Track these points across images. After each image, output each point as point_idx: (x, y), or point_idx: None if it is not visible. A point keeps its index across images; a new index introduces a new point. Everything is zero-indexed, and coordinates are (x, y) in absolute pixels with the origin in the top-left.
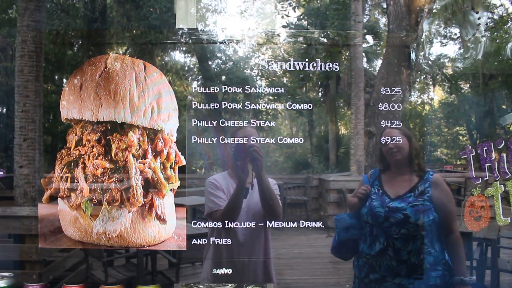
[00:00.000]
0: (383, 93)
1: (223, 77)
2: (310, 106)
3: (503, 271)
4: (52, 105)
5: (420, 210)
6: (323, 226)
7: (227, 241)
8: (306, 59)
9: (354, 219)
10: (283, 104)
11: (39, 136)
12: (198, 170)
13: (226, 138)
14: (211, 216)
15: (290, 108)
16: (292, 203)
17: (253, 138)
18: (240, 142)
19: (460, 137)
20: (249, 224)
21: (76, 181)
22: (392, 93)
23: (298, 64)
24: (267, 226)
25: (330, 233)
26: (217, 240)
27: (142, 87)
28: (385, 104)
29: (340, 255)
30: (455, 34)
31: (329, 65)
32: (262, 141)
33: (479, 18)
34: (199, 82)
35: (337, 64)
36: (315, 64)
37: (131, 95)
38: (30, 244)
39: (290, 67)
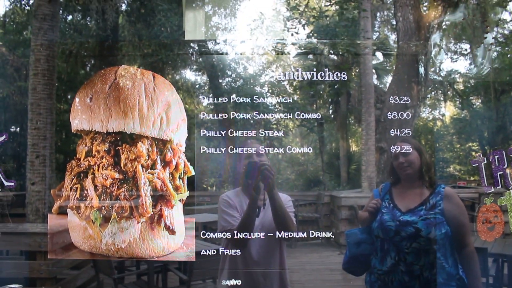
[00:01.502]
0: (392, 102)
1: (234, 95)
2: (319, 116)
3: None
4: (65, 123)
5: (432, 223)
6: (333, 236)
7: (236, 252)
8: (314, 69)
9: (365, 233)
10: (292, 117)
11: (51, 153)
12: (209, 188)
13: (236, 157)
14: (224, 235)
15: (299, 117)
16: (303, 220)
17: (258, 149)
18: (252, 160)
19: (473, 153)
20: (261, 242)
21: (85, 191)
22: (401, 102)
23: (306, 74)
24: (279, 239)
25: (342, 250)
26: (226, 251)
27: (151, 98)
28: (394, 113)
29: (352, 271)
30: (466, 49)
31: (337, 74)
32: (271, 151)
33: (487, 32)
34: (210, 101)
35: (345, 73)
36: (323, 74)
37: (140, 105)
38: (41, 260)
39: (298, 77)
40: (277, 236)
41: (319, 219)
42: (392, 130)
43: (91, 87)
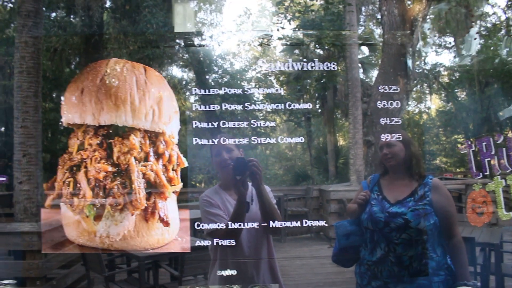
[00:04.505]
0: (381, 91)
1: (222, 90)
2: (310, 106)
3: (508, 276)
4: (50, 122)
5: (421, 214)
6: (326, 224)
7: (230, 242)
8: (305, 60)
9: (354, 225)
10: (283, 107)
11: (39, 151)
12: (197, 184)
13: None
14: (212, 234)
15: (290, 108)
16: (293, 214)
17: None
18: (240, 157)
19: (459, 145)
20: (250, 236)
21: (78, 185)
22: (388, 92)
23: (296, 64)
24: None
25: (332, 244)
26: (220, 242)
27: (143, 90)
28: (383, 102)
29: (342, 263)
30: (450, 43)
31: (327, 65)
32: (263, 141)
33: (472, 21)
34: (197, 97)
35: (335, 63)
36: (313, 65)
37: (132, 98)
38: (31, 260)
39: (288, 68)
40: (263, 228)
41: (308, 213)
42: (382, 119)
43: (82, 80)
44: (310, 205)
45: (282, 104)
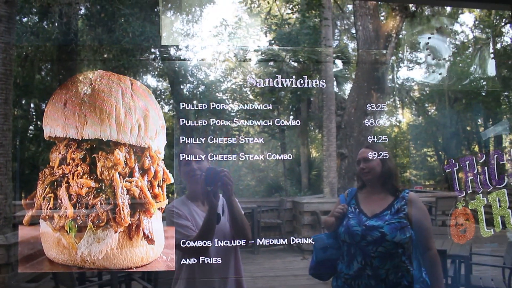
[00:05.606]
0: (369, 109)
1: (195, 101)
2: (299, 123)
3: None
4: (19, 130)
5: (397, 227)
6: (313, 242)
7: (217, 261)
8: (294, 76)
9: (331, 238)
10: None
11: (8, 161)
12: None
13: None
14: (181, 246)
15: (279, 123)
16: (266, 226)
17: (200, 156)
18: (211, 167)
19: (428, 158)
20: (218, 248)
21: (59, 201)
22: (377, 109)
23: (285, 81)
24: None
25: (305, 256)
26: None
27: (129, 104)
28: (371, 119)
29: (319, 276)
30: (421, 58)
31: (316, 82)
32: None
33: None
34: (171, 106)
35: (324, 80)
36: (302, 81)
37: (117, 112)
38: None
39: (277, 84)
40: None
41: (282, 225)
42: (369, 137)
43: (65, 92)
44: (283, 217)
45: (270, 121)
